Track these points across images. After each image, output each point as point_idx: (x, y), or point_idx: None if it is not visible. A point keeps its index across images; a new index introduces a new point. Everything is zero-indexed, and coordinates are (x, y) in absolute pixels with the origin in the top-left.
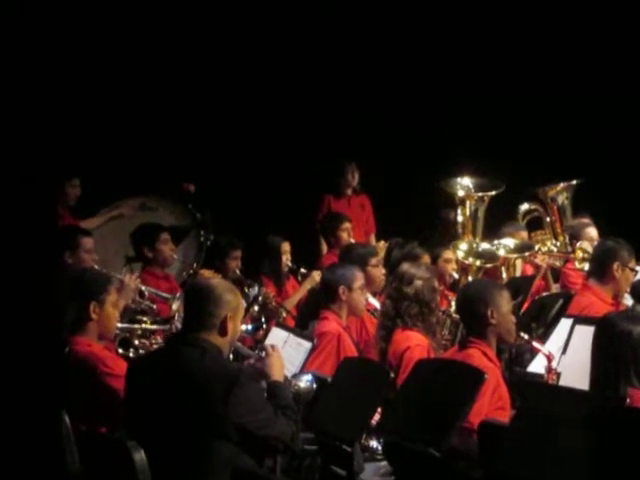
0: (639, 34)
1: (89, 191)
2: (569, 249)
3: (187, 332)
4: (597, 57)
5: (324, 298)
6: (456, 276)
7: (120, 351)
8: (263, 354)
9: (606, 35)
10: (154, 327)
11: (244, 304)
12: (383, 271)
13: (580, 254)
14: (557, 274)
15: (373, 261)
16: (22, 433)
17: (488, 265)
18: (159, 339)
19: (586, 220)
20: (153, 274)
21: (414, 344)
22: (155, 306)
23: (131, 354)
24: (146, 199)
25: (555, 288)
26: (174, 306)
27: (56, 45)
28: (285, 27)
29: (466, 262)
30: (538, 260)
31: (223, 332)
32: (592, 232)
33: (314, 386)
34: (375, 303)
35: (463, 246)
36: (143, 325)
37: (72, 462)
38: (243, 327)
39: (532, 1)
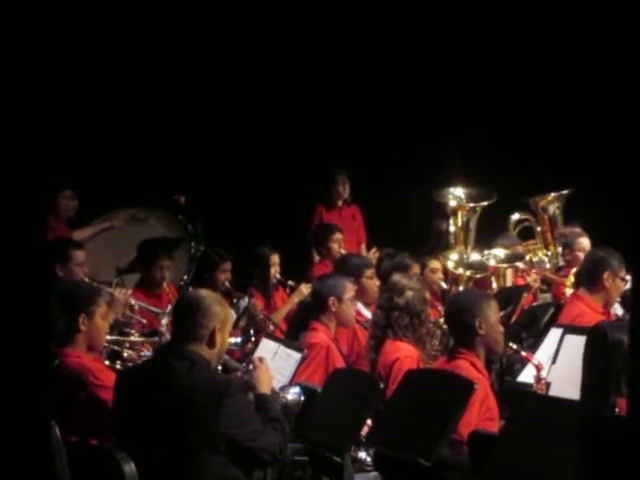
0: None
1: (82, 203)
2: (560, 259)
3: (176, 344)
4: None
5: (314, 309)
6: (445, 286)
7: (107, 363)
8: (250, 367)
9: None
10: (142, 339)
11: (233, 316)
12: (377, 283)
13: (572, 279)
14: (549, 283)
15: (368, 272)
16: (12, 445)
17: (478, 275)
18: (147, 352)
19: (578, 229)
20: (144, 293)
21: (404, 355)
22: (145, 320)
23: (118, 366)
24: (137, 210)
25: (547, 298)
26: (163, 321)
27: (48, 58)
28: (273, 39)
29: (456, 272)
30: (530, 280)
31: (212, 344)
32: (585, 242)
33: (302, 398)
34: (368, 314)
35: (453, 256)
36: (132, 337)
37: (62, 474)
38: (232, 340)
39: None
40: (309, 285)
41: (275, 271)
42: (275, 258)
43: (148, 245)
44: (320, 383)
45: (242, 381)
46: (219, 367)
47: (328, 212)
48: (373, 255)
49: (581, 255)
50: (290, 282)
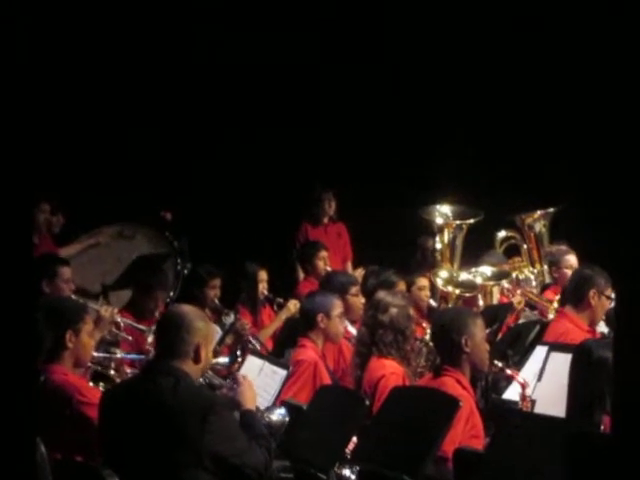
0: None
1: (68, 219)
2: (546, 276)
3: (160, 360)
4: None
5: (302, 325)
6: (434, 303)
7: (92, 384)
8: (235, 384)
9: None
10: (129, 357)
11: (219, 332)
12: (363, 300)
13: (556, 305)
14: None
15: (353, 290)
16: None
17: (467, 294)
18: (129, 370)
19: (565, 247)
20: (133, 317)
21: (389, 372)
22: (131, 338)
23: (101, 388)
24: (123, 227)
25: (531, 316)
26: (149, 338)
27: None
28: (258, 58)
29: (445, 290)
30: (514, 301)
31: (197, 360)
32: (572, 259)
33: (286, 419)
34: (353, 331)
35: (443, 274)
36: (118, 355)
37: None
38: (221, 360)
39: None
40: (297, 302)
41: (263, 287)
42: (263, 275)
43: (144, 271)
44: (307, 400)
45: (228, 398)
46: (203, 383)
47: (313, 229)
48: (359, 273)
49: (568, 272)
50: (279, 299)
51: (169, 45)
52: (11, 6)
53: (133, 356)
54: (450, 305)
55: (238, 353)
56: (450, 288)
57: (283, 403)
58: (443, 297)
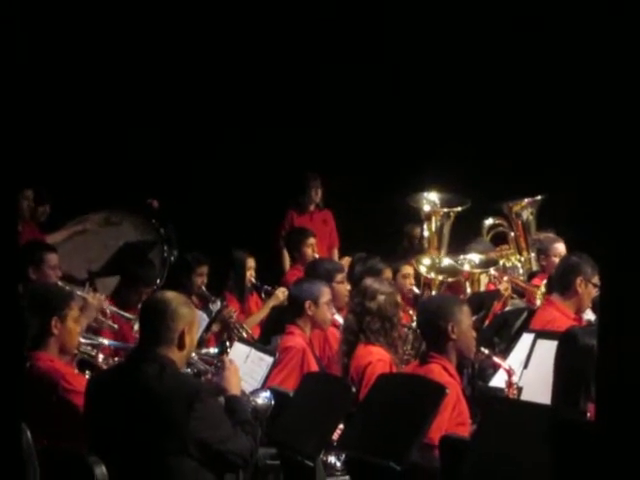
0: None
1: (55, 206)
2: (533, 264)
3: (145, 348)
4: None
5: (290, 312)
6: (417, 291)
7: (77, 371)
8: (220, 369)
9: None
10: (115, 344)
11: (205, 319)
12: (348, 287)
13: (543, 289)
14: (520, 291)
15: (339, 277)
16: None
17: (450, 280)
18: (115, 358)
19: (553, 235)
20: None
21: (376, 359)
22: (116, 326)
23: (87, 375)
24: (110, 214)
25: (518, 304)
26: (136, 327)
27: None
28: (248, 44)
29: (429, 277)
30: (501, 288)
31: (181, 346)
32: (560, 247)
33: (272, 403)
34: (339, 319)
35: (426, 261)
36: (104, 342)
37: (33, 477)
38: (211, 350)
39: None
40: (285, 290)
41: (250, 275)
42: (251, 262)
43: (131, 260)
44: (294, 387)
45: (213, 385)
46: (188, 370)
47: (299, 216)
48: (346, 261)
49: (556, 260)
50: (266, 287)
51: (157, 34)
52: (11, 6)
53: (119, 344)
54: (434, 292)
55: (227, 344)
56: (433, 274)
57: (269, 390)
58: (427, 284)
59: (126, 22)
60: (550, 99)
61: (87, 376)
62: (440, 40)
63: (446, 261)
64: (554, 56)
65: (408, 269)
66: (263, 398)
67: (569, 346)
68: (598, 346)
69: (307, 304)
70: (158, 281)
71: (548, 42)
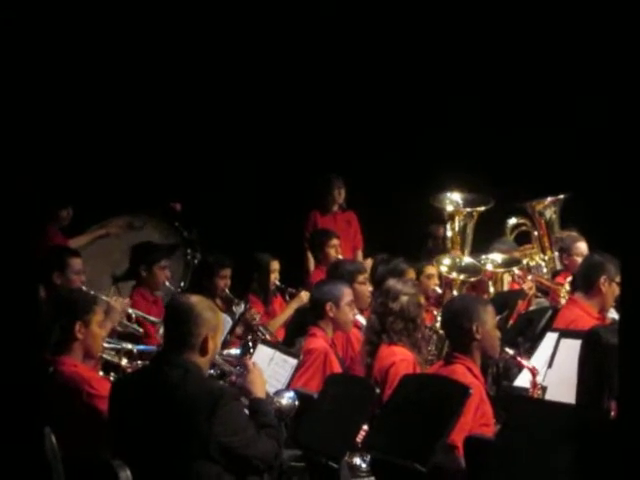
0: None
1: (77, 210)
2: (557, 263)
3: (169, 352)
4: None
5: (312, 314)
6: (439, 291)
7: (102, 374)
8: (244, 371)
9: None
10: (139, 348)
11: (229, 322)
12: (370, 288)
13: (567, 287)
14: (544, 290)
15: (360, 278)
16: (8, 454)
17: (472, 279)
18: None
19: (575, 234)
20: (143, 296)
21: (399, 359)
22: (142, 329)
23: (112, 378)
24: (133, 218)
25: (542, 303)
26: (161, 330)
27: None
28: (267, 44)
29: (450, 277)
30: (525, 287)
31: (204, 351)
32: (582, 246)
33: (296, 403)
34: (362, 320)
35: (446, 261)
36: (129, 346)
37: None
38: (232, 351)
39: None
40: (308, 292)
41: (275, 278)
42: (275, 265)
43: (145, 247)
44: (318, 389)
45: (236, 388)
46: (212, 371)
47: (322, 217)
48: (368, 263)
49: (579, 259)
50: (290, 289)
51: (171, 37)
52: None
53: (143, 347)
54: (455, 292)
55: (250, 345)
56: (454, 274)
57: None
58: (448, 284)
59: (148, 28)
60: (573, 99)
61: (112, 379)
62: (458, 38)
63: (467, 260)
64: (577, 52)
65: (431, 269)
66: (287, 398)
67: (592, 345)
68: (620, 342)
69: (328, 306)
70: (182, 284)
71: (571, 39)
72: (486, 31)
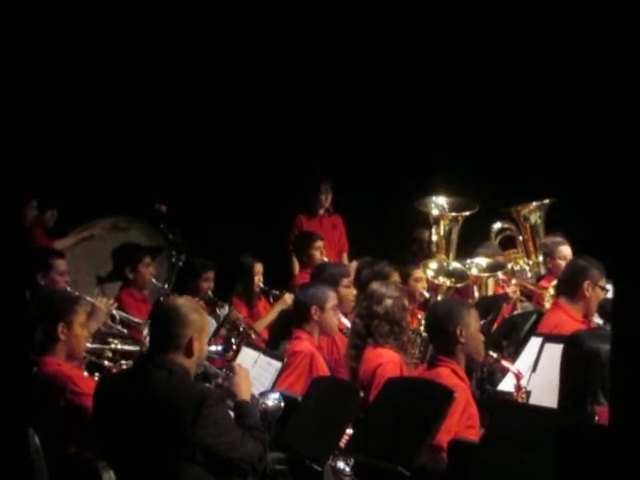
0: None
1: (61, 212)
2: (541, 268)
3: (154, 353)
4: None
5: (296, 318)
6: (427, 295)
7: (86, 374)
8: (230, 373)
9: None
10: (123, 348)
11: (213, 324)
12: (354, 292)
13: (552, 292)
14: (528, 294)
15: (345, 281)
16: None
17: (458, 284)
18: (126, 362)
19: (560, 238)
20: (132, 295)
21: (386, 360)
22: (126, 331)
23: (96, 378)
24: (117, 219)
25: (527, 307)
26: (145, 332)
27: (29, 66)
28: (256, 47)
29: (436, 281)
30: (509, 290)
31: (189, 353)
32: (566, 250)
33: (282, 404)
34: (347, 322)
35: (433, 265)
36: (112, 346)
37: None
38: (213, 348)
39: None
40: (292, 295)
41: (259, 280)
42: (259, 267)
43: (126, 249)
44: (302, 391)
45: (221, 391)
46: (199, 373)
47: (308, 221)
48: (354, 266)
49: (562, 263)
50: (274, 291)
51: (157, 35)
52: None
53: (128, 347)
54: (440, 296)
55: (232, 341)
56: (441, 279)
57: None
58: (434, 288)
59: (135, 27)
60: (559, 103)
61: (96, 379)
62: (447, 42)
63: (454, 265)
64: (563, 58)
65: (420, 273)
66: (273, 400)
67: (575, 350)
68: (612, 348)
69: (313, 309)
70: (166, 286)
71: (561, 45)
72: (474, 35)
